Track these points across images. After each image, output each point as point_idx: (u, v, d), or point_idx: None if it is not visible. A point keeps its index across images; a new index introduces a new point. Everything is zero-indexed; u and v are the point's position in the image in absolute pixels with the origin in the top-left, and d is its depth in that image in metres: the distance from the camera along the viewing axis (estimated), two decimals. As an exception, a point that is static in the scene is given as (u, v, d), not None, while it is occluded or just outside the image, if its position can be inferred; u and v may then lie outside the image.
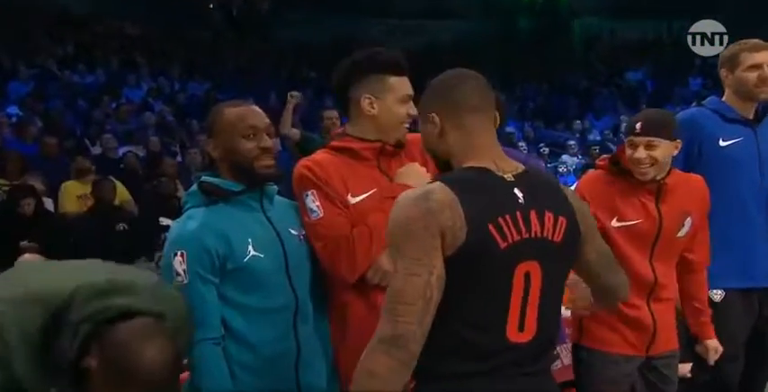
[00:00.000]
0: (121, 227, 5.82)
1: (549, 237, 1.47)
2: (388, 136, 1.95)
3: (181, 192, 6.32)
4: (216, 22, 15.35)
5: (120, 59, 11.99)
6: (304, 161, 1.96)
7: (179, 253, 1.80)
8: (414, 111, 1.91)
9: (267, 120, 1.92)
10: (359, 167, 1.95)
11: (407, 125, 1.95)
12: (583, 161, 9.49)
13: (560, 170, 8.78)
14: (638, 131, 2.17)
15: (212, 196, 1.87)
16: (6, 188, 5.79)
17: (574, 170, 9.10)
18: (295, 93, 6.16)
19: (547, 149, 10.08)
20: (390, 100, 1.92)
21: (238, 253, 1.82)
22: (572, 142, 10.50)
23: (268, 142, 1.88)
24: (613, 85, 14.66)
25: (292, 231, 1.93)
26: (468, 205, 1.41)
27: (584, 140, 11.76)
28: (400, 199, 1.45)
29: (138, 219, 6.00)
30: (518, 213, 1.44)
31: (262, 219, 1.90)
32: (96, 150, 7.90)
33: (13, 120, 8.49)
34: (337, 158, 1.94)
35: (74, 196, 6.15)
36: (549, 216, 1.48)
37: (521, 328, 1.44)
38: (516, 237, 1.43)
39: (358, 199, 1.91)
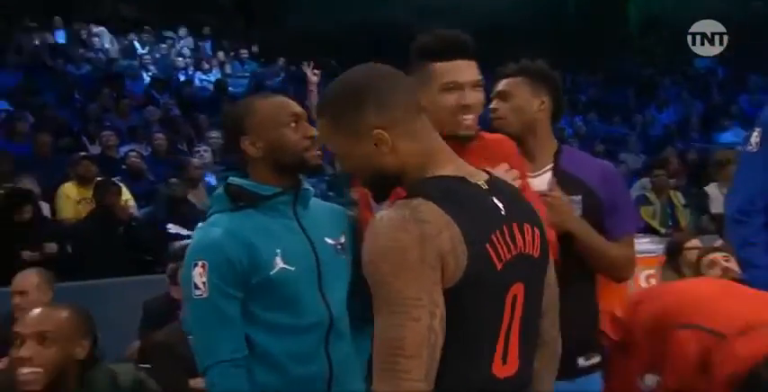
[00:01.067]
0: (126, 235, 5.91)
1: (530, 252, 1.44)
2: (456, 130, 1.90)
3: (192, 196, 6.40)
4: (222, 5, 15.50)
5: (119, 47, 12.20)
6: None
7: (199, 263, 1.82)
8: (472, 99, 1.88)
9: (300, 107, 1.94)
10: None
11: (468, 118, 1.90)
12: (645, 159, 9.44)
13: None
14: None
15: (240, 201, 1.89)
16: (-2, 192, 5.90)
17: (636, 170, 9.05)
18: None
19: (602, 147, 10.04)
20: (434, 88, 1.90)
21: (265, 266, 1.83)
22: (632, 138, 10.43)
23: (314, 130, 1.87)
24: (678, 73, 14.55)
25: (328, 240, 1.94)
26: (461, 222, 1.33)
27: (646, 136, 11.68)
28: (379, 223, 1.32)
29: (144, 227, 6.10)
30: (504, 227, 1.39)
31: (293, 227, 1.91)
32: (95, 149, 8.03)
33: (2, 116, 8.68)
34: None
35: (73, 201, 6.26)
36: (527, 228, 1.44)
37: (504, 360, 1.40)
38: (508, 256, 1.38)
39: None
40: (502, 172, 1.88)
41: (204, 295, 1.82)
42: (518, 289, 1.41)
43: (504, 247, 1.38)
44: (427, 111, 1.92)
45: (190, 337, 3.35)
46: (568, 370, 2.06)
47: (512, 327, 1.40)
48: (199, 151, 7.84)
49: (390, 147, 1.40)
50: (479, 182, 1.42)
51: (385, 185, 1.44)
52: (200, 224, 2.00)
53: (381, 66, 1.46)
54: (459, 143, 1.92)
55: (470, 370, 1.36)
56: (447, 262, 1.31)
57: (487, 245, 1.35)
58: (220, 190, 1.94)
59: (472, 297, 1.34)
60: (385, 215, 1.34)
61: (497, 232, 1.38)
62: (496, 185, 1.45)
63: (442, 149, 1.45)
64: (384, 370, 1.28)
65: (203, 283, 1.82)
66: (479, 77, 1.92)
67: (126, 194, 6.30)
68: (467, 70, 1.90)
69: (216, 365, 1.81)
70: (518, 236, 1.41)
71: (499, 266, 1.36)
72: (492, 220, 1.39)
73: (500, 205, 1.41)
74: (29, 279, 3.78)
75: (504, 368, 1.40)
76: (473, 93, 1.89)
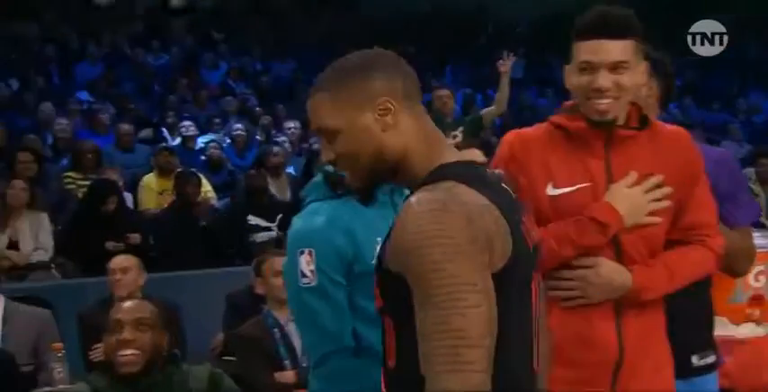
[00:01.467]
0: (206, 227, 6.04)
1: (536, 243, 1.42)
2: (589, 114, 1.84)
3: (273, 186, 6.49)
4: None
5: (196, 36, 12.48)
6: (512, 131, 1.94)
7: (306, 251, 1.86)
8: (603, 81, 1.79)
9: None
10: (577, 152, 1.85)
11: (601, 102, 1.81)
12: (749, 148, 9.10)
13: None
14: None
15: (338, 189, 1.92)
16: (83, 183, 6.12)
17: (738, 160, 8.74)
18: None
19: (701, 135, 9.71)
20: (572, 67, 1.85)
21: (367, 255, 1.85)
22: (734, 125, 10.07)
23: None
24: (787, 54, 13.95)
25: None
26: (498, 203, 1.29)
27: (750, 123, 11.26)
28: (417, 207, 1.26)
29: (224, 218, 6.22)
30: (522, 213, 1.39)
31: (391, 216, 1.91)
32: (174, 140, 8.23)
33: (84, 106, 8.99)
34: (553, 136, 1.87)
35: (155, 192, 6.46)
36: (529, 217, 1.42)
37: (536, 356, 1.37)
38: (532, 242, 1.37)
39: (560, 191, 1.82)
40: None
41: (313, 283, 1.85)
42: (536, 278, 1.38)
43: (530, 232, 1.37)
44: (573, 92, 1.86)
45: (274, 330, 3.46)
46: (683, 370, 1.99)
47: (536, 318, 1.37)
48: (278, 141, 7.94)
49: (394, 120, 1.34)
50: (489, 170, 1.41)
51: (379, 176, 1.39)
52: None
53: (380, 49, 1.42)
54: (616, 130, 1.84)
55: (518, 366, 1.31)
56: (494, 246, 1.26)
57: (522, 228, 1.33)
58: (318, 178, 1.98)
59: (513, 283, 1.29)
60: (421, 198, 1.27)
61: (522, 216, 1.36)
62: (499, 174, 1.44)
63: (443, 139, 1.41)
64: (443, 364, 1.19)
65: (311, 271, 1.84)
66: (622, 58, 1.80)
67: (206, 186, 6.45)
68: (604, 50, 1.80)
69: (333, 354, 1.83)
70: (529, 225, 1.40)
71: (531, 251, 1.35)
72: (515, 205, 1.37)
73: (511, 192, 1.40)
74: (128, 259, 4.12)
75: (537, 362, 1.37)
76: (608, 75, 1.80)
